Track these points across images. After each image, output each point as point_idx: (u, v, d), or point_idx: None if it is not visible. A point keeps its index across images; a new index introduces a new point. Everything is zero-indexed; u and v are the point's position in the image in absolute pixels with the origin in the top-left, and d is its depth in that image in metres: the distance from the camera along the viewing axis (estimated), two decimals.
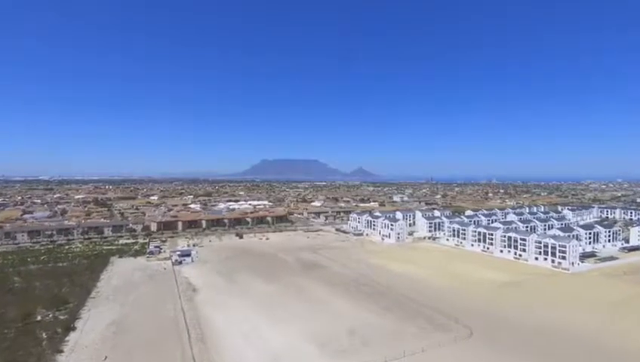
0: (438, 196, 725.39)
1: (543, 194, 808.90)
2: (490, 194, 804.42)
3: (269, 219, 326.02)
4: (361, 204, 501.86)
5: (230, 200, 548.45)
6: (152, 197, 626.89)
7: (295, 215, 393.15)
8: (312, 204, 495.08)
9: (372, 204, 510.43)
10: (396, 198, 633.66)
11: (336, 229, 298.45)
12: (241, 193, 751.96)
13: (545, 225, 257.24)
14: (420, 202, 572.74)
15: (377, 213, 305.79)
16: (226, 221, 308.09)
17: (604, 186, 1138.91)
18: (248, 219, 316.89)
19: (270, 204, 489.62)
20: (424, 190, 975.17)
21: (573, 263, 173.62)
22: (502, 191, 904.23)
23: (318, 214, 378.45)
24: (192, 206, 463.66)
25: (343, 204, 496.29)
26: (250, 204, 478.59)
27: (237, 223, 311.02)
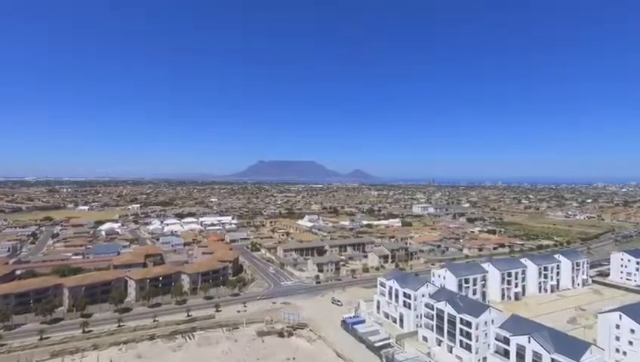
0: (467, 205, 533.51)
1: (588, 200, 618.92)
2: (525, 201, 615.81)
3: (184, 279, 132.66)
4: (376, 223, 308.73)
5: (181, 215, 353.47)
6: (82, 208, 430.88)
7: (262, 252, 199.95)
8: (301, 222, 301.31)
9: (391, 221, 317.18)
10: (416, 209, 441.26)
11: (344, 324, 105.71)
12: (213, 199, 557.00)
13: None
14: (455, 216, 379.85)
15: (449, 282, 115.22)
16: (66, 290, 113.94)
17: (625, 190, 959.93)
18: (132, 283, 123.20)
19: (234, 223, 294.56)
20: (438, 195, 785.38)
21: None
22: (532, 197, 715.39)
23: (303, 252, 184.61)
24: (106, 227, 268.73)
25: (346, 222, 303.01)
26: (198, 225, 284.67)
27: (106, 289, 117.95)
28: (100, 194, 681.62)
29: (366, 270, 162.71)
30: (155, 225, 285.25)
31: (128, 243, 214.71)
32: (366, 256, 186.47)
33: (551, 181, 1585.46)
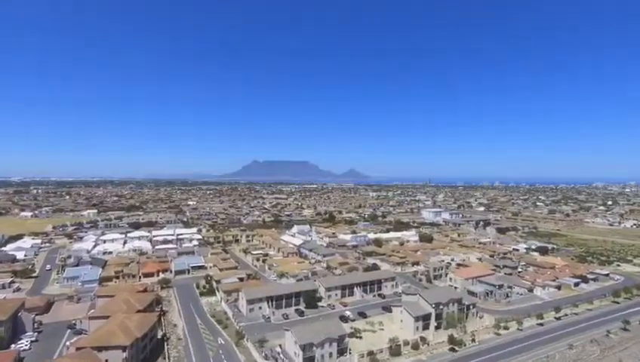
0: (481, 208, 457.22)
1: (609, 202, 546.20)
2: (539, 204, 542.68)
3: None
4: (386, 236, 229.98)
5: (137, 225, 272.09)
6: (25, 214, 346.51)
7: (217, 297, 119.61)
8: (287, 237, 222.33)
9: (405, 234, 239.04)
10: (427, 214, 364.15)
11: None
12: (190, 203, 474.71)
13: None
14: (477, 226, 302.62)
15: None
16: None
17: (629, 190, 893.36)
18: None
19: (196, 240, 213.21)
20: (441, 196, 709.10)
21: None
22: (543, 198, 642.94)
23: (282, 303, 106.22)
24: (14, 246, 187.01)
25: (347, 236, 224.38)
26: (148, 241, 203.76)
27: None
28: (67, 197, 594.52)
29: (396, 351, 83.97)
30: (86, 241, 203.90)
31: (10, 280, 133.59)
32: (387, 309, 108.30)
33: (549, 181, 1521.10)
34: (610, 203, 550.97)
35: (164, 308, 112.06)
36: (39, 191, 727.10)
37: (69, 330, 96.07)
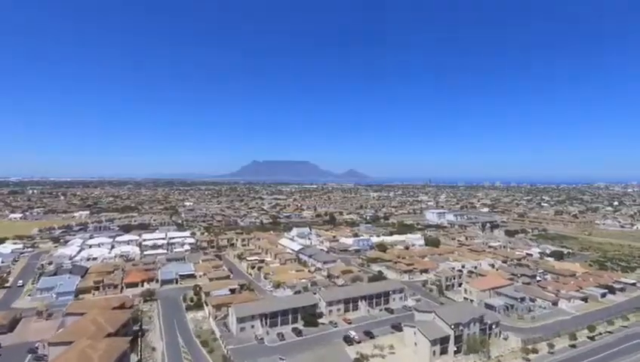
0: (485, 209, 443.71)
1: (615, 203, 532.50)
2: (544, 205, 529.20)
3: None
4: (390, 239, 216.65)
5: (128, 227, 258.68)
6: (14, 216, 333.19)
7: (205, 312, 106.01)
8: (285, 241, 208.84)
9: (409, 237, 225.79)
10: (430, 216, 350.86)
11: None
12: (187, 203, 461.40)
13: None
14: (484, 228, 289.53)
15: None
16: None
17: (631, 190, 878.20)
18: None
19: (188, 244, 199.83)
20: (443, 196, 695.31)
21: None
22: (547, 198, 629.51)
23: (277, 320, 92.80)
24: None
25: (349, 240, 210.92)
26: (137, 246, 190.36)
27: None
28: (62, 197, 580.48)
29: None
30: (71, 246, 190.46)
31: None
32: (397, 327, 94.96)
33: (549, 181, 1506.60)
34: (616, 203, 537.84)
35: (144, 326, 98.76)
36: (34, 191, 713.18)
37: (29, 355, 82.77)
